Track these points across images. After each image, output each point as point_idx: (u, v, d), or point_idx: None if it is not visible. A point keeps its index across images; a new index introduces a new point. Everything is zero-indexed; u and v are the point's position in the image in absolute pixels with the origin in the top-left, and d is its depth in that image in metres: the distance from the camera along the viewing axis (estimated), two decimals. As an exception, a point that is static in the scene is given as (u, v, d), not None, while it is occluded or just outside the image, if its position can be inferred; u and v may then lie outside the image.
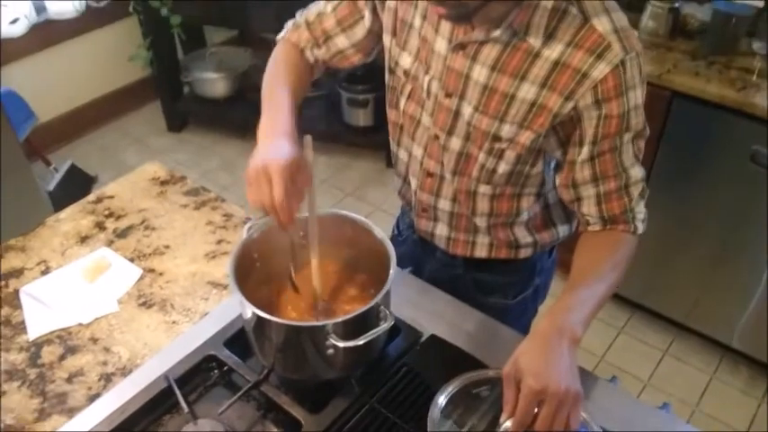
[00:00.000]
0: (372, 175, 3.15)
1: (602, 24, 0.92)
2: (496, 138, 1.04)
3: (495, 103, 1.01)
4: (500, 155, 1.06)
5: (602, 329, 2.40)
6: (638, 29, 2.11)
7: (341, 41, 1.17)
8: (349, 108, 3.09)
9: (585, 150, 1.00)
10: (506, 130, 1.02)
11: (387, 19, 1.11)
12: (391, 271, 0.98)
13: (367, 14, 1.13)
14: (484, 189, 1.12)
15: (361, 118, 3.10)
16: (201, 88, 3.27)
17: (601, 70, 0.92)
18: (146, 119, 3.49)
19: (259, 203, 0.92)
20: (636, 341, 2.38)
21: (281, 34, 1.23)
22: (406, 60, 1.10)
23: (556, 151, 1.05)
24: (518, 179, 1.11)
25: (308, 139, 0.98)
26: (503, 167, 1.07)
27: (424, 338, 1.12)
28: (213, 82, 3.23)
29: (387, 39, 1.13)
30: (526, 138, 1.02)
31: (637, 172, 1.03)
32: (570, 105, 0.96)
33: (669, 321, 2.36)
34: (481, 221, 1.18)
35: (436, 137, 1.11)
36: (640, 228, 1.05)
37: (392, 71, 1.15)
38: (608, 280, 0.98)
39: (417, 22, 1.06)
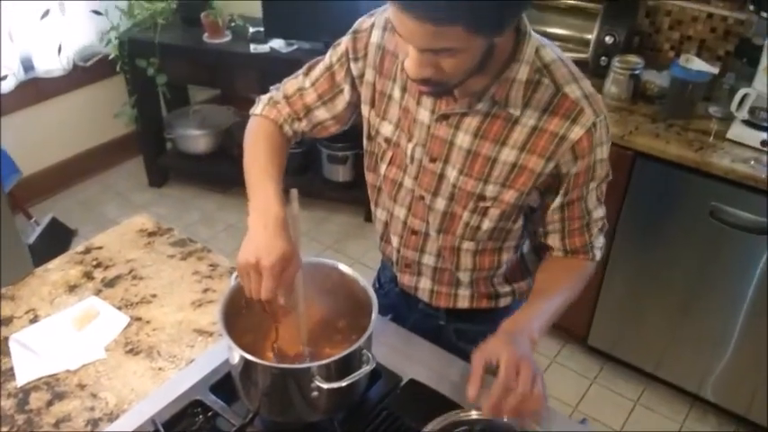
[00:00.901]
0: (351, 230, 3.22)
1: (573, 92, 1.02)
2: (481, 197, 1.11)
3: (478, 166, 1.09)
4: (484, 213, 1.13)
5: (574, 380, 2.45)
6: (601, 93, 2.25)
7: (321, 114, 1.24)
8: (329, 164, 3.19)
9: (558, 200, 1.11)
10: (490, 190, 1.10)
11: (365, 91, 1.19)
12: (373, 315, 1.03)
13: (346, 88, 1.20)
14: (467, 245, 1.19)
15: (340, 174, 3.20)
16: (184, 144, 3.35)
17: (576, 132, 1.02)
18: (129, 173, 3.54)
19: (249, 294, 1.01)
20: (608, 391, 2.43)
21: (257, 110, 1.26)
22: (387, 129, 1.17)
23: (536, 202, 1.15)
24: (500, 234, 1.18)
25: (294, 192, 1.04)
26: (486, 224, 1.14)
27: (403, 383, 1.16)
28: (196, 139, 3.30)
29: (365, 109, 1.20)
30: (510, 196, 1.10)
31: (599, 212, 1.15)
32: (552, 165, 1.06)
33: (640, 372, 2.41)
34: (464, 276, 1.24)
35: (421, 197, 1.17)
36: (598, 255, 1.19)
37: (372, 138, 1.22)
38: (565, 294, 1.13)
39: (397, 93, 1.14)
